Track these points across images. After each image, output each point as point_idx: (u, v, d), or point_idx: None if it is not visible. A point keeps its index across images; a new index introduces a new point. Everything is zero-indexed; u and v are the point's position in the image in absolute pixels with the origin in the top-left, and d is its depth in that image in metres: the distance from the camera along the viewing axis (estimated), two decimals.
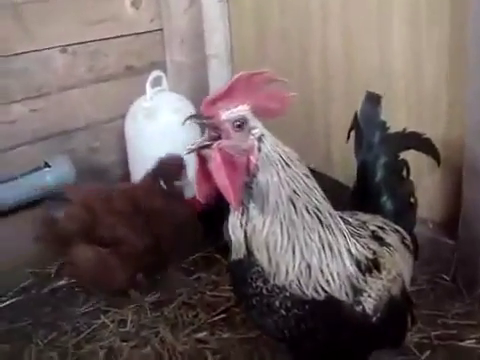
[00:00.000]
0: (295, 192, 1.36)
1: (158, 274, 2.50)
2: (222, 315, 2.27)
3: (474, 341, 2.06)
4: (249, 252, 1.39)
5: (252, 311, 1.46)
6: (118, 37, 2.89)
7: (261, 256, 1.37)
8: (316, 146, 2.85)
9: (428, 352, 2.02)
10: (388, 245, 1.57)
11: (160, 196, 2.36)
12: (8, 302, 2.49)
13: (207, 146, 1.34)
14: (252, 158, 1.36)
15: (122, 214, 2.30)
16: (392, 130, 1.77)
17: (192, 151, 1.35)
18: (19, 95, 2.65)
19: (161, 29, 3.03)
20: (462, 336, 2.08)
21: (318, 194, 1.40)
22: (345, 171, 2.37)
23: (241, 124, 1.35)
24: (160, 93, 2.76)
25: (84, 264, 2.32)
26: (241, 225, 1.39)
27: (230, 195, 1.33)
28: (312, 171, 2.03)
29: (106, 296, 2.44)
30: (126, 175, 2.90)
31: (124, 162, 2.88)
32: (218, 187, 1.34)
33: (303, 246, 1.36)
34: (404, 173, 1.80)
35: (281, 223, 1.35)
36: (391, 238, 1.60)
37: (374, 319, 1.45)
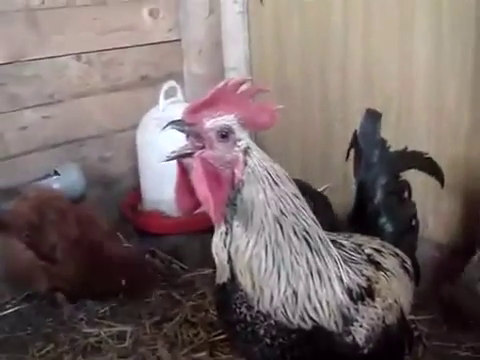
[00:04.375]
0: (282, 212, 1.28)
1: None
2: (223, 335, 2.17)
3: None
4: (233, 275, 1.31)
5: (237, 338, 1.38)
6: (134, 46, 2.87)
7: (244, 280, 1.29)
8: (334, 165, 2.77)
9: None
10: (385, 270, 1.46)
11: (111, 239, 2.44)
12: (11, 310, 2.47)
13: (188, 155, 1.27)
14: (237, 172, 1.27)
15: (68, 238, 2.30)
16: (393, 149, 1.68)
17: (172, 159, 1.27)
18: (31, 101, 2.63)
19: (179, 39, 3.00)
20: None
21: (307, 216, 1.31)
22: None
23: (226, 134, 1.26)
24: (173, 104, 2.71)
25: (13, 261, 2.34)
26: (224, 245, 1.31)
27: (211, 209, 1.26)
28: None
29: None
30: (137, 186, 2.84)
31: (135, 173, 2.84)
32: (199, 200, 1.27)
33: (289, 271, 1.27)
34: (405, 194, 1.70)
35: (266, 245, 1.27)
36: (389, 262, 1.50)
37: (366, 350, 1.35)
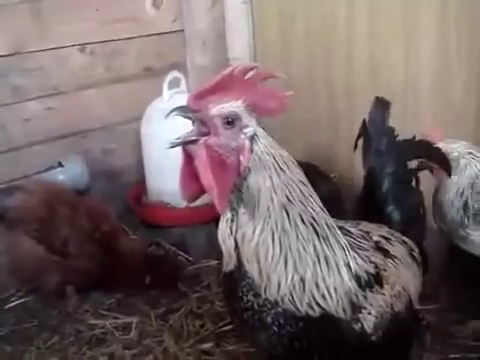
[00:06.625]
0: (289, 199, 1.26)
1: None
2: (229, 326, 2.17)
3: None
4: (240, 263, 1.30)
5: (244, 326, 1.37)
6: (138, 37, 2.86)
7: (251, 267, 1.28)
8: (340, 154, 2.76)
9: None
10: (393, 257, 1.45)
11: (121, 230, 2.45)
12: (17, 302, 2.47)
13: (193, 141, 1.25)
14: (243, 159, 1.25)
15: (81, 231, 2.28)
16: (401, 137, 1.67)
17: (176, 145, 1.25)
18: (34, 93, 2.62)
19: (182, 30, 2.99)
20: None
21: (314, 203, 1.30)
22: None
23: (232, 121, 1.24)
24: (177, 95, 2.69)
25: (22, 257, 2.31)
26: (231, 232, 1.30)
27: (216, 197, 1.24)
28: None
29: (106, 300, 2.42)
30: (141, 178, 2.83)
31: (139, 165, 2.83)
32: (204, 187, 1.25)
33: (296, 258, 1.26)
34: (413, 183, 1.69)
35: (272, 232, 1.26)
36: (397, 250, 1.49)
37: (374, 338, 1.34)
